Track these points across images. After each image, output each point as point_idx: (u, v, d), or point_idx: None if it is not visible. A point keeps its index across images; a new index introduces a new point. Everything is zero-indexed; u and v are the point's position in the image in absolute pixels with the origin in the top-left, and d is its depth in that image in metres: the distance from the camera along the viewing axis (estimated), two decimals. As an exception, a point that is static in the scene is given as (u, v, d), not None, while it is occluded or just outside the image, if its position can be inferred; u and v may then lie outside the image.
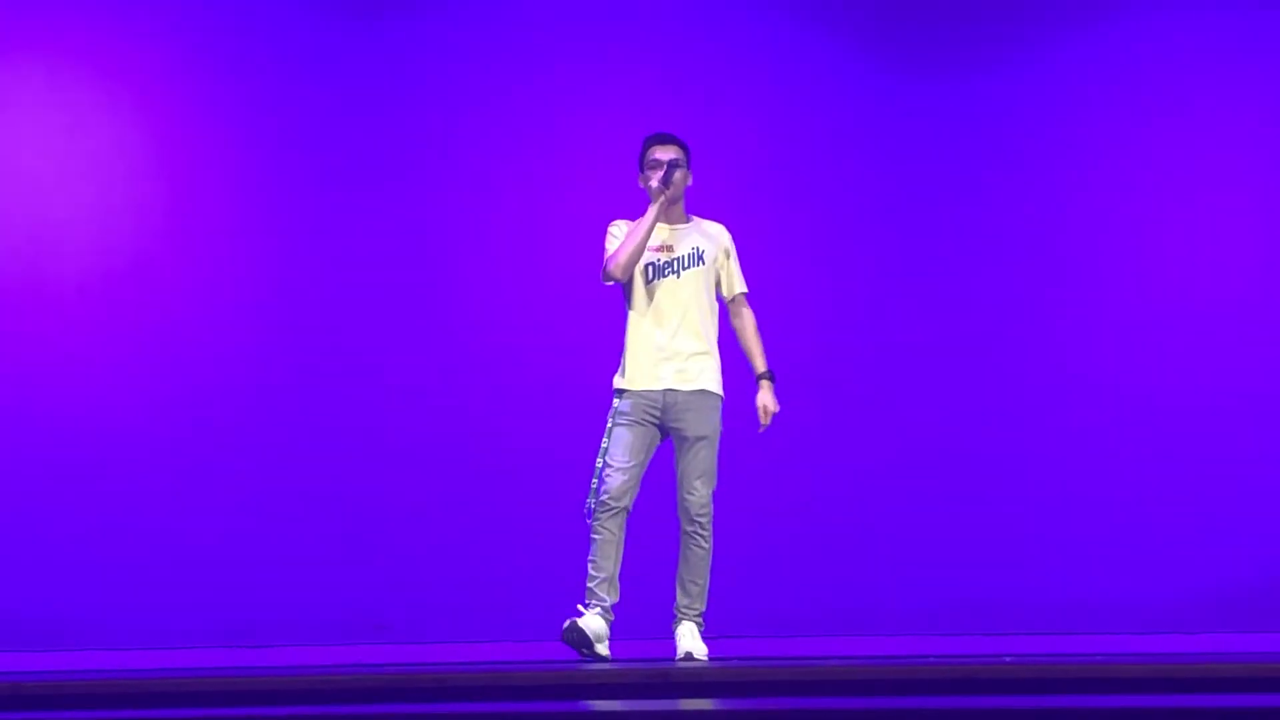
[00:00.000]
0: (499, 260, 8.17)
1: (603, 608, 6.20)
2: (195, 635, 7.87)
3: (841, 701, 4.26)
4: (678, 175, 6.28)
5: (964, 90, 8.21)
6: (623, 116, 8.06)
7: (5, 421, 8.06)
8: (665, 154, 6.32)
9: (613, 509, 6.20)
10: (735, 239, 6.45)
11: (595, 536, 6.21)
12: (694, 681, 5.18)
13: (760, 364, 6.40)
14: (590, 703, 4.51)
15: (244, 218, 8.18)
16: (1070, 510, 7.99)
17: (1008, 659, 6.11)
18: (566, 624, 6.19)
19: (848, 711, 3.79)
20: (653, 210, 6.26)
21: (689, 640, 6.21)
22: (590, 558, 6.22)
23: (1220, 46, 8.15)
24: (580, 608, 6.22)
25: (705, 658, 6.15)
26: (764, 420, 6.38)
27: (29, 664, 7.46)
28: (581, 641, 6.17)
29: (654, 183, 6.27)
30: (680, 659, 6.16)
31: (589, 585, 6.22)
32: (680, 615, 6.26)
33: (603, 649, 6.20)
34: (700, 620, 6.26)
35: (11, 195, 8.16)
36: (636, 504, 6.27)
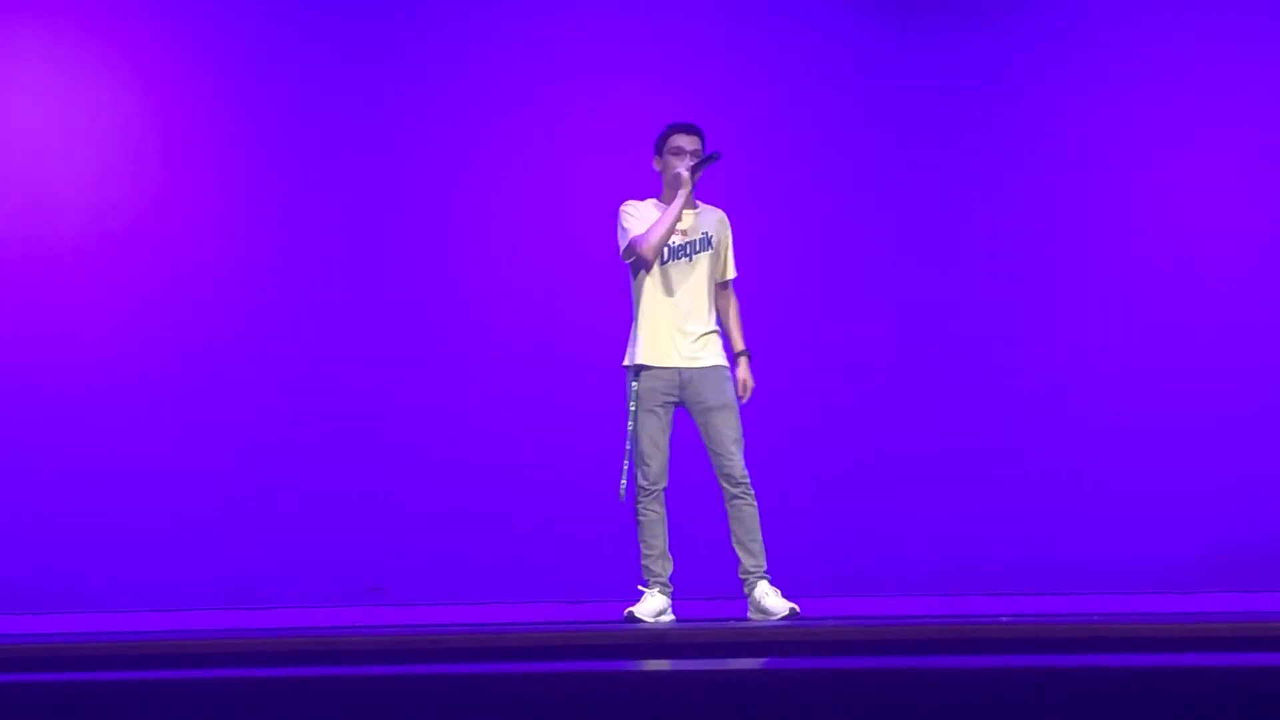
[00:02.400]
0: (491, 240, 8.14)
1: (659, 582, 6.51)
2: (194, 597, 7.88)
3: (842, 661, 4.28)
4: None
5: (957, 52, 8.19)
6: (620, 100, 8.04)
7: (2, 386, 8.05)
8: (692, 144, 6.55)
9: (653, 492, 6.51)
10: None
11: (642, 519, 6.53)
12: (686, 642, 5.19)
13: (740, 343, 6.70)
14: (587, 663, 4.52)
15: (241, 181, 8.15)
16: (1067, 473, 7.99)
17: (1004, 619, 6.14)
18: (625, 613, 6.46)
19: (848, 671, 3.81)
20: (683, 195, 6.51)
21: (773, 599, 6.40)
22: (641, 538, 6.54)
23: (1224, 5, 8.12)
24: (640, 588, 6.52)
25: (788, 610, 6.36)
26: (743, 394, 6.62)
27: (28, 627, 7.48)
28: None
29: (684, 171, 6.51)
30: (772, 615, 6.35)
31: (644, 563, 6.53)
32: (750, 578, 6.46)
33: (666, 619, 6.48)
34: (768, 577, 6.45)
35: (9, 159, 8.14)
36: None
